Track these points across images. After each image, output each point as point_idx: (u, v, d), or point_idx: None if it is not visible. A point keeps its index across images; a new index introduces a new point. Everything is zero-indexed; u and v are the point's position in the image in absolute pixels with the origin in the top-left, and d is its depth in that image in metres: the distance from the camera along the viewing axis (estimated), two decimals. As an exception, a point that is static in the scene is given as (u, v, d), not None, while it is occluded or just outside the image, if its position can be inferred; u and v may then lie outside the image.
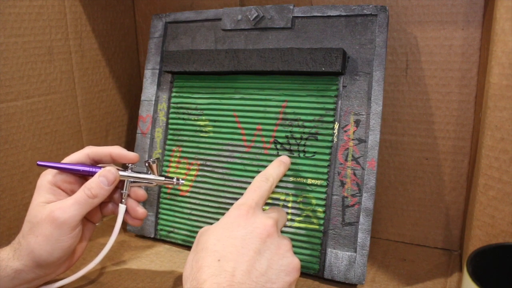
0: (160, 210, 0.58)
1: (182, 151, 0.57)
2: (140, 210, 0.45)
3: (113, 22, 0.66)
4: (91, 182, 0.41)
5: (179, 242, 0.57)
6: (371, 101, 0.47)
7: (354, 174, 0.47)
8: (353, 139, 0.47)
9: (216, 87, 0.55)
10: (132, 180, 0.45)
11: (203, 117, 0.56)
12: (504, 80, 0.41)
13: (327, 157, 0.49)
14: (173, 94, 0.59)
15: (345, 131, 0.48)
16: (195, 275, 0.32)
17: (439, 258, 0.54)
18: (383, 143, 0.56)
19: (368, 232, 0.46)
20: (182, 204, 0.57)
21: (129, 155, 0.44)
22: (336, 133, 0.48)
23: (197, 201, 0.56)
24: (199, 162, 0.56)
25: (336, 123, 0.48)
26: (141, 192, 0.46)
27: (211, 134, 0.55)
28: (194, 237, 0.55)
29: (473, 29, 0.50)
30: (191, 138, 0.57)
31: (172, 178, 0.46)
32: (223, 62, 0.53)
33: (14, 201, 0.55)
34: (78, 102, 0.62)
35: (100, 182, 0.41)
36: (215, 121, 0.55)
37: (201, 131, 0.56)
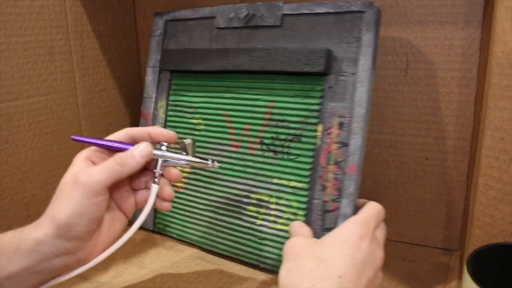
0: None
1: (178, 148, 0.58)
2: (169, 190, 0.43)
3: (113, 22, 0.66)
4: (123, 153, 0.40)
5: (174, 236, 0.58)
6: (355, 103, 0.45)
7: (336, 178, 0.46)
8: (336, 142, 0.46)
9: (209, 86, 0.56)
10: (166, 159, 0.43)
11: (197, 115, 0.56)
12: (504, 80, 0.41)
13: (309, 160, 0.47)
14: (171, 92, 0.59)
15: (329, 134, 0.46)
16: (314, 283, 0.33)
17: (439, 258, 0.54)
18: (383, 143, 0.56)
19: None
20: (177, 200, 0.58)
21: (167, 133, 0.43)
22: (320, 136, 0.47)
23: (190, 198, 0.57)
24: None
25: (320, 125, 0.47)
26: (175, 172, 0.44)
27: (203, 133, 0.56)
28: (187, 233, 0.56)
29: (473, 29, 0.50)
30: (186, 136, 0.57)
31: (207, 159, 0.44)
32: (214, 61, 0.53)
33: (14, 201, 0.55)
34: (78, 102, 0.62)
35: (131, 151, 0.40)
36: (207, 119, 0.55)
37: (195, 129, 0.56)
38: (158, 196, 0.43)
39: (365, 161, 0.58)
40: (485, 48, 0.47)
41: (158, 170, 0.42)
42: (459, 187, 0.54)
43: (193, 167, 0.48)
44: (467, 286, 0.33)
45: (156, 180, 0.42)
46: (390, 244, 0.58)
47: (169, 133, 0.43)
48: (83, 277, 0.50)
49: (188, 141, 0.43)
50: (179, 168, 0.44)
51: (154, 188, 0.42)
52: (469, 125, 0.52)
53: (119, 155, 0.40)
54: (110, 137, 0.42)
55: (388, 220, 0.58)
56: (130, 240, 0.59)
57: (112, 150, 0.42)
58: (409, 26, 0.53)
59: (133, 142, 0.43)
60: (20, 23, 0.53)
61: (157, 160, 0.43)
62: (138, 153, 0.40)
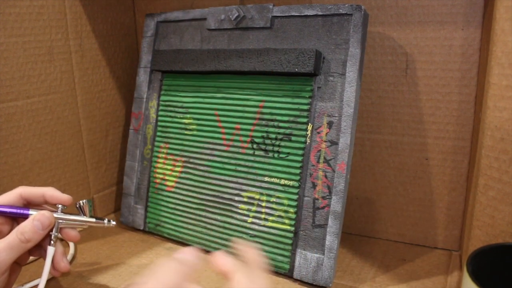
0: (149, 204, 0.60)
1: (169, 148, 0.59)
2: (63, 264, 0.43)
3: (113, 22, 0.66)
4: (25, 226, 0.40)
5: (165, 235, 0.59)
6: (343, 103, 0.46)
7: (325, 176, 0.47)
8: (325, 141, 0.47)
9: (200, 86, 0.56)
10: (62, 221, 0.44)
11: (188, 115, 0.57)
12: (503, 81, 0.41)
13: (299, 158, 0.49)
14: (162, 92, 0.60)
15: (318, 133, 0.48)
16: None
17: (439, 258, 0.54)
18: (383, 143, 0.56)
19: (336, 235, 0.46)
20: (168, 199, 0.58)
21: (62, 197, 0.43)
22: (309, 134, 0.48)
23: (181, 197, 0.57)
24: (183, 159, 0.57)
25: (310, 124, 0.48)
26: (73, 233, 0.44)
27: (195, 132, 0.56)
28: (178, 232, 0.57)
29: (473, 29, 0.50)
30: (177, 136, 0.58)
31: (103, 219, 0.46)
32: (206, 62, 0.54)
33: (14, 201, 0.55)
34: (78, 102, 0.62)
35: (34, 226, 0.40)
36: (198, 119, 0.56)
37: (186, 129, 0.57)
38: (52, 262, 0.43)
39: (365, 161, 0.58)
40: (485, 48, 0.47)
41: (54, 233, 0.43)
42: (459, 187, 0.54)
43: (90, 226, 0.49)
44: (467, 286, 0.33)
45: (52, 242, 0.43)
46: (390, 244, 0.58)
47: (64, 197, 0.43)
48: (82, 277, 0.50)
49: (83, 202, 0.45)
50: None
51: (51, 250, 0.42)
52: (469, 125, 0.52)
53: (21, 230, 0.39)
54: (0, 198, 0.42)
55: (388, 220, 0.59)
56: (129, 240, 0.59)
57: (5, 215, 0.42)
58: (409, 26, 0.53)
59: (27, 203, 0.43)
60: (20, 23, 0.53)
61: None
62: (40, 226, 0.40)
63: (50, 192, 0.43)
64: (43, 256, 0.44)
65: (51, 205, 0.45)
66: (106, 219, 0.46)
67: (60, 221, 0.44)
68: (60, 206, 0.44)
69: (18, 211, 0.42)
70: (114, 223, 0.46)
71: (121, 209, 0.63)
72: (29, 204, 0.44)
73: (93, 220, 0.45)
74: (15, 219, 0.43)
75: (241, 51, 0.51)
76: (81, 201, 0.45)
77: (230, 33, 0.54)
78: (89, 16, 0.62)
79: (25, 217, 0.42)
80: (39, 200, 0.43)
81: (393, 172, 0.57)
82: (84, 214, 0.45)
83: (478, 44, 0.50)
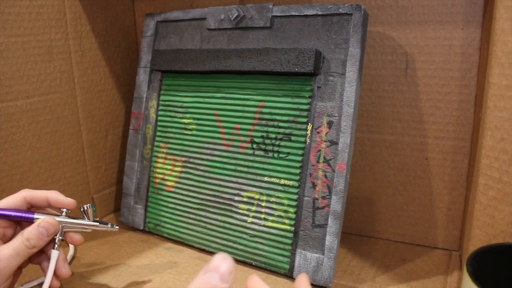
0: (149, 204, 0.60)
1: (169, 148, 0.59)
2: (64, 270, 0.43)
3: (113, 22, 0.66)
4: (30, 233, 0.40)
5: (165, 235, 0.59)
6: (343, 103, 0.46)
7: (325, 176, 0.47)
8: (325, 141, 0.47)
9: (200, 86, 0.56)
10: (66, 225, 0.44)
11: (188, 115, 0.57)
12: (503, 80, 0.41)
13: (299, 158, 0.49)
14: (162, 92, 0.60)
15: (318, 132, 0.48)
16: None
17: (439, 258, 0.54)
18: (383, 143, 0.56)
19: (336, 235, 0.46)
20: (168, 199, 0.58)
21: (66, 201, 0.43)
22: (309, 134, 0.48)
23: (181, 197, 0.57)
24: (183, 158, 0.57)
25: (310, 124, 0.48)
26: (77, 237, 0.45)
27: (195, 132, 0.56)
28: (178, 232, 0.58)
29: (473, 29, 0.50)
30: (177, 135, 0.58)
31: (107, 223, 0.46)
32: (205, 61, 0.54)
33: (13, 201, 0.55)
34: (78, 102, 0.62)
35: (40, 233, 0.40)
36: (198, 119, 0.56)
37: (186, 129, 0.57)
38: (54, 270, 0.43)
39: (365, 161, 0.58)
40: (485, 48, 0.47)
41: (58, 237, 0.43)
42: (459, 187, 0.54)
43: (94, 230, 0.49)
44: (467, 286, 0.33)
45: (56, 246, 0.43)
46: (390, 244, 0.58)
47: (68, 201, 0.43)
48: (82, 277, 0.50)
49: (87, 206, 0.45)
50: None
51: (55, 254, 0.43)
52: (469, 125, 0.52)
53: (26, 237, 0.40)
54: (5, 201, 0.42)
55: (388, 220, 0.59)
56: (129, 240, 0.59)
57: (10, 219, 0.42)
58: (409, 26, 0.52)
59: (30, 206, 0.43)
60: (19, 23, 0.53)
61: None
62: (45, 233, 0.41)
63: (54, 196, 0.43)
64: (41, 264, 0.44)
65: (55, 208, 0.45)
66: (110, 223, 0.46)
67: (64, 225, 0.44)
68: (64, 210, 0.44)
69: (23, 215, 0.42)
70: (117, 227, 0.47)
71: (121, 209, 0.63)
72: (33, 207, 0.44)
73: (97, 224, 0.45)
74: (19, 222, 0.43)
75: (240, 51, 0.51)
76: (85, 205, 0.45)
77: (230, 33, 0.54)
78: (88, 16, 0.62)
79: (30, 221, 0.42)
80: (42, 204, 0.43)
81: (393, 172, 0.57)
82: (88, 218, 0.45)
83: (478, 44, 0.50)
